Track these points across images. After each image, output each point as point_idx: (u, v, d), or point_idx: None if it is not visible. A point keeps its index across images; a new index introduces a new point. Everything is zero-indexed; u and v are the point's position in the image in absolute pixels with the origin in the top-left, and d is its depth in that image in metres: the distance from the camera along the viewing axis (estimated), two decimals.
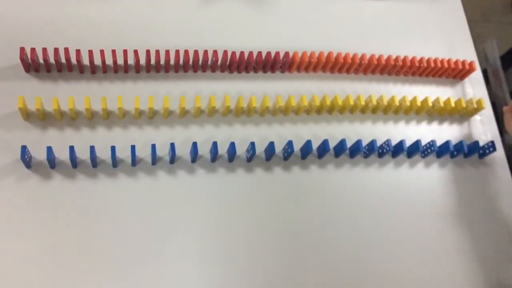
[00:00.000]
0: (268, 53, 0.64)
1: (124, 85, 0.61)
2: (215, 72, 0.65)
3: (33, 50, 0.56)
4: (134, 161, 0.56)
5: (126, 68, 0.61)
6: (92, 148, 0.53)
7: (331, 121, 0.66)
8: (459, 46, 0.79)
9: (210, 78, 0.65)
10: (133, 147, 0.55)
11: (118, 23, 0.65)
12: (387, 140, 0.64)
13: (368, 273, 0.59)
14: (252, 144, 0.58)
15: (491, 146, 0.69)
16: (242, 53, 0.63)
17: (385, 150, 0.64)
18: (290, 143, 0.60)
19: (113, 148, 0.54)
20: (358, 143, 0.63)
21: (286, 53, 0.66)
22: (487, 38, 0.85)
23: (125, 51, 0.60)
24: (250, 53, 0.64)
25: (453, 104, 0.70)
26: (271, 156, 0.61)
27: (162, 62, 0.62)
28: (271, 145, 0.59)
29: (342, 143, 0.62)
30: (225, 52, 0.63)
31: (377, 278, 0.59)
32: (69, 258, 0.52)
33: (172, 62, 0.62)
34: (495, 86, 0.75)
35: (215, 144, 0.57)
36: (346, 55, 0.68)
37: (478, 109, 0.72)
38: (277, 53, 0.65)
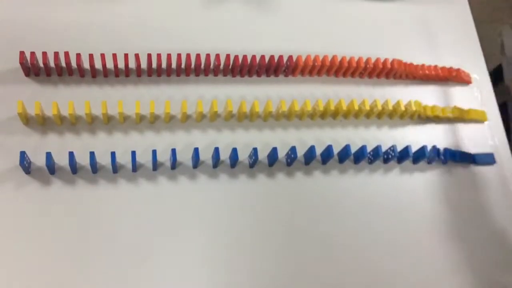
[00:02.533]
0: (271, 57, 0.64)
1: (125, 89, 0.60)
2: (217, 76, 0.64)
3: (33, 54, 0.56)
4: (135, 166, 0.56)
5: (127, 72, 0.60)
6: (92, 154, 0.53)
7: (335, 126, 0.65)
8: (467, 49, 0.78)
9: (212, 82, 0.64)
10: (133, 153, 0.54)
11: (119, 27, 0.64)
12: (392, 146, 0.62)
13: (374, 280, 0.58)
14: (255, 149, 0.57)
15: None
16: (244, 56, 0.62)
17: (390, 156, 0.63)
18: (293, 149, 0.59)
19: (113, 154, 0.54)
20: (362, 148, 0.62)
21: (290, 57, 0.64)
22: (494, 39, 0.84)
23: (126, 55, 0.59)
24: (253, 56, 0.63)
25: (460, 109, 0.69)
26: (274, 162, 0.60)
27: (164, 65, 0.61)
28: (274, 151, 0.58)
29: (346, 148, 0.61)
30: (228, 56, 0.62)
31: (383, 285, 0.58)
32: (68, 265, 0.51)
33: (173, 65, 0.62)
34: (509, 76, 0.72)
35: (217, 149, 0.57)
36: (350, 58, 0.66)
37: (484, 115, 0.71)
38: (281, 57, 0.64)
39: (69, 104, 0.55)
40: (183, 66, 0.62)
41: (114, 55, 0.58)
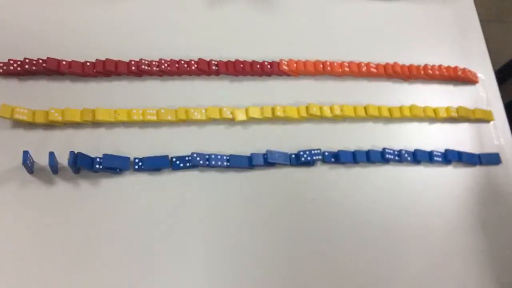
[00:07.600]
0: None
1: (129, 88, 0.61)
2: (218, 76, 0.64)
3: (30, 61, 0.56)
4: (137, 165, 0.56)
5: (132, 71, 0.60)
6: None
7: (338, 126, 0.65)
8: (472, 49, 0.77)
9: (215, 80, 0.64)
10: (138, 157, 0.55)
11: (123, 26, 0.64)
12: (400, 150, 0.63)
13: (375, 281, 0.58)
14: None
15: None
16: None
17: (396, 158, 0.63)
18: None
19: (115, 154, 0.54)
20: (369, 151, 0.63)
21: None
22: (501, 39, 0.83)
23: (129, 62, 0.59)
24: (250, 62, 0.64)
25: (466, 109, 0.69)
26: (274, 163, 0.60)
27: (167, 64, 0.61)
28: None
29: (357, 152, 0.63)
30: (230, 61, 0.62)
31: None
32: (71, 264, 0.51)
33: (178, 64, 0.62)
34: None
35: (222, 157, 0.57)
36: (350, 64, 0.67)
37: (490, 115, 0.71)
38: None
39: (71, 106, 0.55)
40: (193, 67, 0.62)
41: (109, 60, 0.59)
